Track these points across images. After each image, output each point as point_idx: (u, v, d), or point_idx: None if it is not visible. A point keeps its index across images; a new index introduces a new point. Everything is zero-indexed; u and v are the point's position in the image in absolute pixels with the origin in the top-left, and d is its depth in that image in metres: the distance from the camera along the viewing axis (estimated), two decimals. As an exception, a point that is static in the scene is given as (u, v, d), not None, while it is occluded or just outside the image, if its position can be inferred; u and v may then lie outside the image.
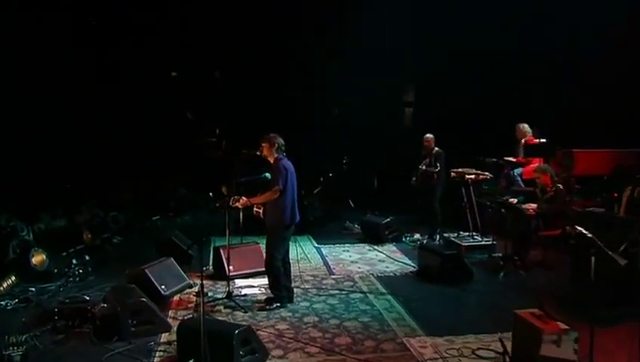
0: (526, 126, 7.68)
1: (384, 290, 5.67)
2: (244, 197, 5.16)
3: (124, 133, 10.69)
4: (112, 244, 7.47)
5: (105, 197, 9.63)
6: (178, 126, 12.54)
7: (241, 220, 6.32)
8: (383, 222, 7.77)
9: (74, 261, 6.41)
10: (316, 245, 7.70)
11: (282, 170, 5.04)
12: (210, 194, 11.19)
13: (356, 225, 8.65)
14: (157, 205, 10.11)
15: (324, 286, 5.82)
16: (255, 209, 5.28)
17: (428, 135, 7.78)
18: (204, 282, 5.90)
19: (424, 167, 7.61)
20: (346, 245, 7.68)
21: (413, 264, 6.54)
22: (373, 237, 7.75)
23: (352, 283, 5.92)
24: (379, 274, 6.23)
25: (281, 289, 5.21)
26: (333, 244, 7.71)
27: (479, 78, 9.38)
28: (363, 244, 7.67)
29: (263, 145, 5.16)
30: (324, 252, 7.31)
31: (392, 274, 6.29)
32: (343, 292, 5.63)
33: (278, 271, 5.19)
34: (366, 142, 10.74)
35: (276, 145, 5.13)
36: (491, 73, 9.17)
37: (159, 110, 11.66)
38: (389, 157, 10.41)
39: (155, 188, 11.01)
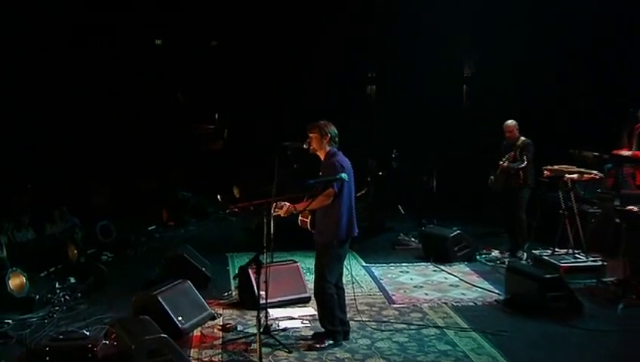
0: None
1: (465, 325, 5.57)
2: (287, 203, 5.09)
3: (99, 119, 10.75)
4: (101, 262, 7.47)
5: (82, 202, 9.69)
6: (166, 110, 12.61)
7: (270, 231, 6.25)
8: (451, 235, 7.70)
9: (57, 284, 6.42)
10: (364, 264, 7.64)
11: (338, 167, 4.96)
12: (219, 197, 11.27)
13: (413, 239, 8.62)
14: (149, 211, 10.13)
15: (385, 319, 5.75)
16: (301, 218, 5.21)
17: (509, 122, 7.66)
18: (227, 312, 5.99)
19: (506, 163, 7.49)
20: (403, 264, 7.66)
21: (497, 290, 6.45)
22: (438, 254, 7.71)
23: (421, 315, 5.85)
24: (454, 304, 6.16)
25: (335, 322, 5.12)
26: (387, 263, 7.70)
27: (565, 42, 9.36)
28: (425, 263, 7.64)
29: (311, 135, 5.09)
30: (375, 273, 7.27)
31: (471, 303, 6.21)
32: (412, 326, 5.54)
33: (331, 299, 5.10)
34: (420, 130, 10.67)
35: (329, 135, 5.06)
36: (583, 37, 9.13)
37: (143, 91, 11.70)
38: (451, 150, 10.32)
39: (145, 189, 11.05)
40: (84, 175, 10.35)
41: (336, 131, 5.08)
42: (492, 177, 7.76)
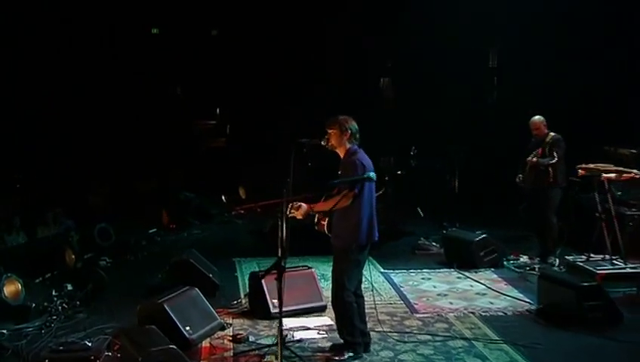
0: None
1: (495, 336, 5.51)
2: (303, 204, 5.05)
3: (92, 114, 10.73)
4: (99, 267, 7.45)
5: (76, 203, 9.67)
6: (164, 105, 12.59)
7: (283, 234, 6.20)
8: (477, 239, 7.65)
9: (54, 291, 6.39)
10: (382, 270, 7.60)
11: (359, 166, 4.92)
12: (223, 198, 11.25)
13: (434, 243, 8.60)
14: (149, 213, 10.12)
15: (408, 330, 5.71)
16: (318, 220, 5.16)
17: (535, 118, 7.59)
18: (237, 321, 5.96)
19: (535, 158, 7.42)
20: (425, 271, 7.64)
21: (528, 299, 6.40)
22: (462, 259, 7.68)
23: (446, 326, 5.80)
24: (482, 313, 6.11)
25: (355, 333, 5.08)
26: (406, 270, 7.68)
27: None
28: (448, 270, 7.63)
29: (330, 131, 5.04)
30: (395, 280, 7.24)
31: (501, 313, 6.15)
32: (437, 338, 5.49)
33: (350, 307, 5.06)
34: (440, 125, 10.60)
35: (349, 131, 5.02)
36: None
37: (138, 84, 11.68)
38: (475, 146, 10.24)
39: (144, 189, 11.04)
40: (79, 174, 10.33)
41: (356, 127, 5.05)
42: (520, 175, 7.72)
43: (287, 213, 5.03)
